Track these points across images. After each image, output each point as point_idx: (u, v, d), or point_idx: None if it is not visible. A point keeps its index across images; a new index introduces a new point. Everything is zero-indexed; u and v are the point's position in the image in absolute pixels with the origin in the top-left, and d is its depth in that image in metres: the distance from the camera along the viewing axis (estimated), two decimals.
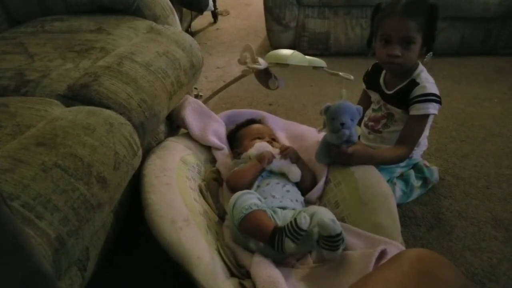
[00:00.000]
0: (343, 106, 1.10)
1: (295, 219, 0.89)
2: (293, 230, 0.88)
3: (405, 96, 1.21)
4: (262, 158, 1.14)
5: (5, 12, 1.50)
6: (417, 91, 1.19)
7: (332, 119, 1.11)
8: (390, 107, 1.27)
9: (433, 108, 1.18)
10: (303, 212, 0.92)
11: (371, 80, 1.34)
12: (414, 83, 1.20)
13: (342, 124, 1.09)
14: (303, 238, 0.89)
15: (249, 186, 1.11)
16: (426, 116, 1.20)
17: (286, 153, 1.17)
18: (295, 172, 1.13)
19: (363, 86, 1.40)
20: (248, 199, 0.97)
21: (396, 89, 1.24)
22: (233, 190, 1.12)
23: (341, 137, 1.10)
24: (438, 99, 1.19)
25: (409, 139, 1.22)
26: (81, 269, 0.81)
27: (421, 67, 1.23)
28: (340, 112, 1.10)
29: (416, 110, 1.19)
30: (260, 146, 1.19)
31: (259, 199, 1.00)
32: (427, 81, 1.20)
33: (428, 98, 1.18)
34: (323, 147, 1.17)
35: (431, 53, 1.20)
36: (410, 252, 0.69)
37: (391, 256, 0.75)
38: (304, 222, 0.87)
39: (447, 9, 2.16)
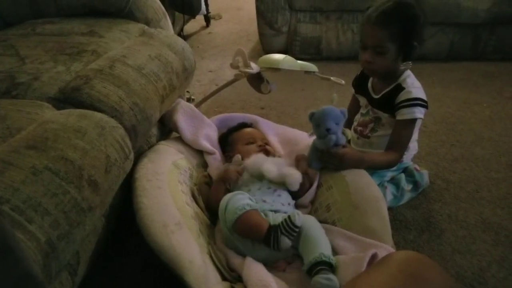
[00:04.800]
0: (326, 112, 1.11)
1: (289, 217, 0.93)
2: (288, 227, 0.92)
3: (391, 101, 1.22)
4: (226, 178, 1.13)
5: None
6: (402, 96, 1.20)
7: (317, 125, 1.11)
8: (377, 111, 1.28)
9: (419, 113, 1.19)
10: (296, 211, 0.95)
11: (359, 84, 1.36)
12: (400, 88, 1.21)
13: (328, 130, 1.10)
14: (297, 234, 0.93)
15: None
16: (413, 121, 1.21)
17: (300, 162, 1.17)
18: (295, 177, 1.10)
19: (353, 90, 1.41)
20: (240, 200, 0.98)
21: (382, 93, 1.26)
22: (214, 213, 1.11)
23: (329, 142, 1.10)
24: (424, 103, 1.20)
25: (398, 144, 1.23)
26: (71, 274, 0.80)
27: (407, 72, 1.24)
28: (324, 118, 1.10)
29: (402, 115, 1.20)
30: (257, 158, 1.17)
31: (250, 199, 1.01)
32: (413, 86, 1.21)
33: (413, 102, 1.19)
34: (313, 153, 1.17)
35: (410, 62, 1.21)
36: (398, 255, 0.70)
37: (380, 259, 0.76)
38: (298, 219, 0.92)
39: (436, 15, 2.19)
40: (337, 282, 0.84)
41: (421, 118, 1.21)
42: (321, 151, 1.15)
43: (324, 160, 1.15)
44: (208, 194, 1.15)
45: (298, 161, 1.19)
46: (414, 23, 1.15)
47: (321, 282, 0.84)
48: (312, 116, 1.13)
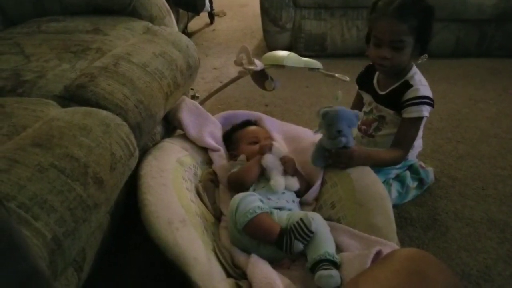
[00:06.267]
0: (341, 113, 1.08)
1: (302, 221, 0.91)
2: (303, 232, 0.90)
3: (397, 97, 1.21)
4: (262, 149, 1.17)
5: (1, 13, 1.49)
6: (410, 94, 1.19)
7: (329, 125, 1.09)
8: (382, 108, 1.27)
9: (426, 111, 1.19)
10: (308, 214, 0.94)
11: (364, 81, 1.35)
12: (408, 85, 1.20)
13: (339, 132, 1.07)
14: (310, 239, 0.92)
15: (254, 182, 1.12)
16: (420, 119, 1.20)
17: (287, 164, 1.16)
18: (292, 186, 1.13)
19: (357, 87, 1.40)
20: (251, 202, 0.97)
21: (389, 89, 1.25)
22: (239, 187, 1.12)
23: (338, 144, 1.08)
24: (431, 101, 1.19)
25: (404, 142, 1.22)
26: (77, 270, 0.81)
27: (415, 69, 1.23)
28: (338, 119, 1.07)
29: (409, 113, 1.19)
30: (270, 155, 1.17)
31: (260, 200, 1.00)
32: (421, 84, 1.20)
33: (421, 101, 1.18)
34: (319, 151, 1.15)
35: (426, 55, 1.20)
36: (401, 252, 0.70)
37: (383, 256, 0.76)
38: (313, 224, 0.90)
39: (442, 11, 2.17)
40: (339, 278, 0.84)
41: (426, 117, 1.20)
42: (328, 151, 1.13)
43: (331, 159, 1.14)
44: (243, 172, 1.14)
45: (285, 163, 1.16)
46: (431, 15, 1.13)
47: (323, 276, 0.84)
48: (325, 115, 1.09)
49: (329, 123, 1.09)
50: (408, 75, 1.22)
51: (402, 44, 1.14)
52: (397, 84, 1.23)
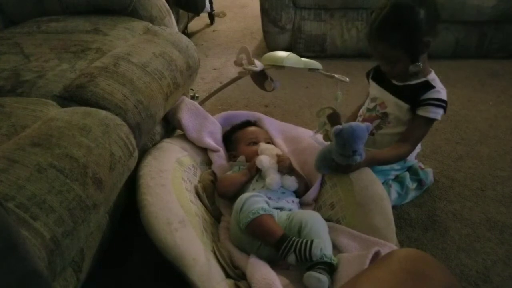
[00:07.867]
0: (357, 133, 1.03)
1: (310, 245, 0.88)
2: (303, 253, 0.88)
3: (415, 93, 1.21)
4: (251, 167, 1.16)
5: (1, 13, 1.50)
6: (432, 94, 1.19)
7: (343, 144, 1.04)
8: (390, 101, 1.26)
9: (440, 115, 1.20)
10: (321, 241, 0.90)
11: (378, 72, 1.32)
12: (430, 86, 1.20)
13: (354, 152, 1.04)
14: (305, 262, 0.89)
15: (238, 193, 1.10)
16: (433, 121, 1.21)
17: (282, 163, 1.16)
18: (290, 186, 1.13)
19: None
20: (256, 203, 0.98)
21: (407, 83, 1.24)
22: (222, 196, 1.15)
23: (352, 162, 1.06)
24: (446, 108, 1.21)
25: (411, 138, 1.22)
26: (76, 270, 0.81)
27: (434, 74, 1.24)
28: (354, 140, 1.03)
29: (427, 112, 1.19)
30: (264, 156, 1.18)
31: (266, 202, 1.00)
32: (442, 88, 1.22)
33: (441, 104, 1.19)
34: (326, 161, 1.12)
35: (419, 63, 1.17)
36: (400, 252, 0.70)
37: (381, 256, 0.76)
38: (317, 254, 0.87)
39: (441, 13, 2.13)
40: (327, 284, 0.84)
41: (438, 120, 1.21)
42: (337, 164, 1.09)
43: (339, 170, 1.12)
44: (226, 182, 1.16)
45: (279, 162, 1.16)
46: (413, 25, 1.12)
47: (311, 277, 0.85)
48: (339, 133, 1.03)
49: (344, 142, 1.04)
50: (429, 77, 1.22)
51: (393, 59, 1.17)
52: (417, 81, 1.22)
